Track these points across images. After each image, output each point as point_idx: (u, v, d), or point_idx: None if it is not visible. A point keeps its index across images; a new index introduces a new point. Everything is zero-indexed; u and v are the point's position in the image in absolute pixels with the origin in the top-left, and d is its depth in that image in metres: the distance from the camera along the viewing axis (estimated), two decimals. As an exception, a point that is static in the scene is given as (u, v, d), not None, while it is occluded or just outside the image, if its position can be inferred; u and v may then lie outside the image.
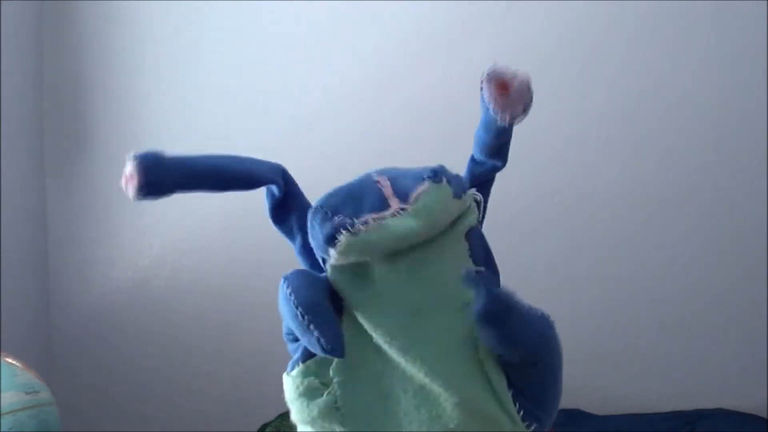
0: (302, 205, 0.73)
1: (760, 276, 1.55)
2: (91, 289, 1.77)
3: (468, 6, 1.64)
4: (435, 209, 0.66)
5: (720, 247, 1.58)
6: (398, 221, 0.65)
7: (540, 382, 0.69)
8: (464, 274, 0.66)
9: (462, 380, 0.67)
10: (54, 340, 1.78)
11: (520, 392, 0.68)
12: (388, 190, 0.67)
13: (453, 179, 0.69)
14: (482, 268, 0.70)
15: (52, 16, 1.77)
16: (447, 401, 0.66)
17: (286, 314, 0.68)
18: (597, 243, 1.62)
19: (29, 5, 1.73)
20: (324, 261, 0.69)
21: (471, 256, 0.70)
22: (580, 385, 1.53)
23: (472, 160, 0.76)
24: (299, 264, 0.75)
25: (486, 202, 0.75)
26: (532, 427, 0.68)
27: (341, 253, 0.65)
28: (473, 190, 0.71)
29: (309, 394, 0.69)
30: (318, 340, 0.65)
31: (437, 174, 0.68)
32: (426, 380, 0.66)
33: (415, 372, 0.67)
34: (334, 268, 0.69)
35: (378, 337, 0.68)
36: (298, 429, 0.72)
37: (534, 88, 0.68)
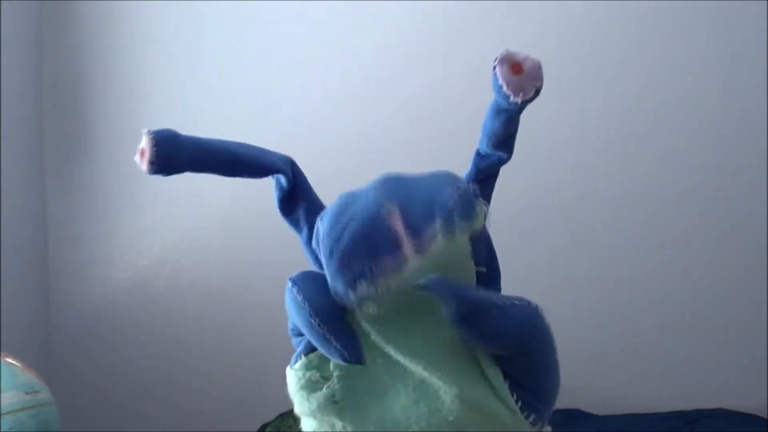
0: (310, 197, 0.74)
1: (760, 276, 1.55)
2: (91, 289, 1.77)
3: (468, 6, 1.64)
4: (449, 253, 0.66)
5: (720, 247, 1.58)
6: (413, 267, 0.65)
7: (535, 372, 0.69)
8: (424, 283, 0.65)
9: (460, 374, 0.67)
10: (54, 340, 1.78)
11: (516, 384, 0.68)
12: (399, 227, 0.65)
13: (463, 207, 0.66)
14: (483, 269, 0.71)
15: (52, 16, 1.77)
16: (446, 394, 0.66)
17: (299, 321, 0.68)
18: (597, 243, 1.62)
19: (29, 5, 1.73)
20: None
21: (473, 256, 0.71)
22: (580, 385, 1.53)
23: (478, 154, 0.76)
24: (303, 260, 0.75)
25: (490, 196, 0.76)
26: (531, 418, 0.68)
27: (359, 300, 0.65)
28: (479, 198, 0.71)
29: (309, 387, 0.70)
30: (338, 350, 0.66)
31: (449, 221, 0.65)
32: (425, 374, 0.67)
33: (415, 366, 0.67)
34: None
35: (376, 334, 0.68)
36: (301, 422, 0.73)
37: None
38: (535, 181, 1.61)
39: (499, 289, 0.76)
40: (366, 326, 0.68)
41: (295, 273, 0.70)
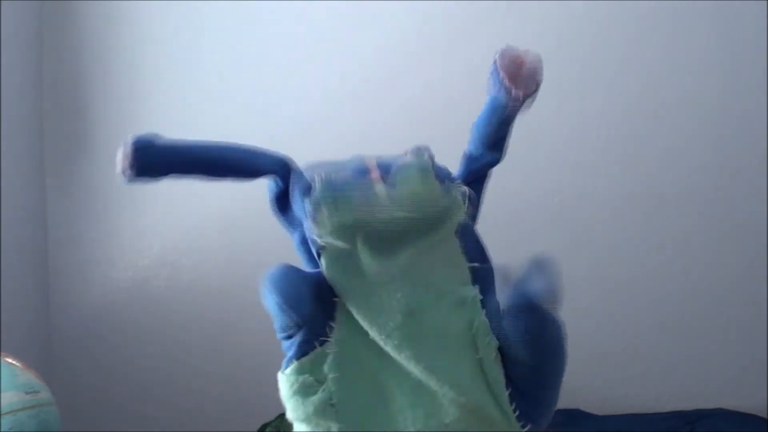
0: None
1: (760, 276, 1.55)
2: (91, 289, 1.77)
3: (468, 6, 1.64)
4: (414, 180, 0.68)
5: (720, 247, 1.58)
6: (379, 187, 0.67)
7: (542, 384, 0.69)
8: (531, 260, 0.66)
9: (459, 378, 0.67)
10: (54, 340, 1.78)
11: (518, 392, 0.68)
12: (371, 162, 0.71)
13: (436, 163, 0.73)
14: (476, 264, 0.71)
15: (52, 16, 1.76)
16: (444, 397, 0.66)
17: (269, 307, 0.69)
18: (597, 243, 1.62)
19: (29, 5, 1.73)
20: (319, 255, 0.70)
21: (465, 253, 0.71)
22: (580, 385, 1.52)
23: (469, 156, 0.77)
24: (299, 262, 0.75)
25: (480, 199, 0.76)
26: (527, 428, 0.68)
27: (316, 209, 0.67)
28: (460, 183, 0.72)
29: (303, 391, 0.70)
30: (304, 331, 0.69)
31: (420, 150, 0.73)
32: (423, 377, 0.67)
33: (412, 368, 0.67)
34: (329, 261, 0.69)
35: (374, 335, 0.68)
36: (294, 427, 0.72)
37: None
38: (535, 181, 1.61)
39: (493, 285, 0.76)
40: (362, 323, 0.68)
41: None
